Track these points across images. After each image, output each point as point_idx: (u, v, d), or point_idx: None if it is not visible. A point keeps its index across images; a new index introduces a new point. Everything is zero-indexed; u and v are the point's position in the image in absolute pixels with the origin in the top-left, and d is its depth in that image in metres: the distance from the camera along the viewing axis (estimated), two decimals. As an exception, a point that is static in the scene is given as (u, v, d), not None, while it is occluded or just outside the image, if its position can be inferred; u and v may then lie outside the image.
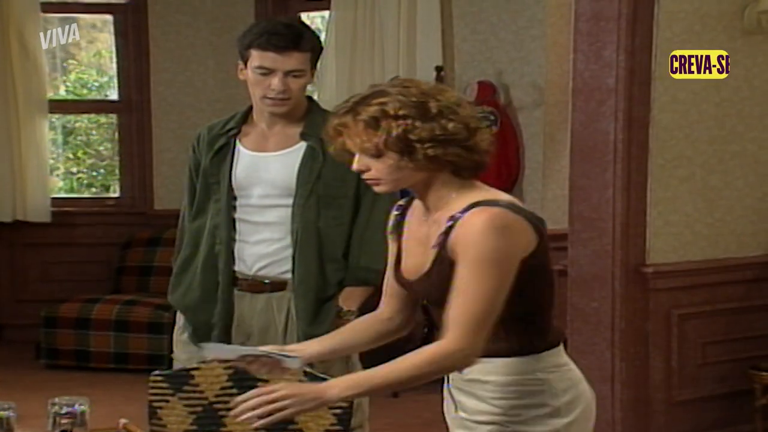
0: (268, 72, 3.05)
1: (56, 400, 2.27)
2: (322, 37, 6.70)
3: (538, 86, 5.86)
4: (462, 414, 2.30)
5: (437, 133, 2.11)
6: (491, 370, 2.22)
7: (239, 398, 2.11)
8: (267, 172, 3.13)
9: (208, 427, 2.68)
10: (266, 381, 2.67)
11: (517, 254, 2.13)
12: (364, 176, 2.20)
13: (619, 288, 4.16)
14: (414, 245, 2.28)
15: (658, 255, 4.23)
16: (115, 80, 7.24)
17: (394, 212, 2.37)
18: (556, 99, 5.81)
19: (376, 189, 2.24)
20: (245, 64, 3.13)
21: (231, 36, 7.06)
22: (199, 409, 2.70)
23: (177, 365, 3.23)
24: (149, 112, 7.05)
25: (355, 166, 2.19)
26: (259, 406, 2.08)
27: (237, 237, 3.14)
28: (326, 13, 6.55)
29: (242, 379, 2.71)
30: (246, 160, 3.16)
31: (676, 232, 4.27)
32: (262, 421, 2.09)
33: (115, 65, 7.22)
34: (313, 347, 2.36)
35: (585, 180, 4.23)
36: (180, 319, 3.29)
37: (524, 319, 2.20)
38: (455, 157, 2.13)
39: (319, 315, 3.10)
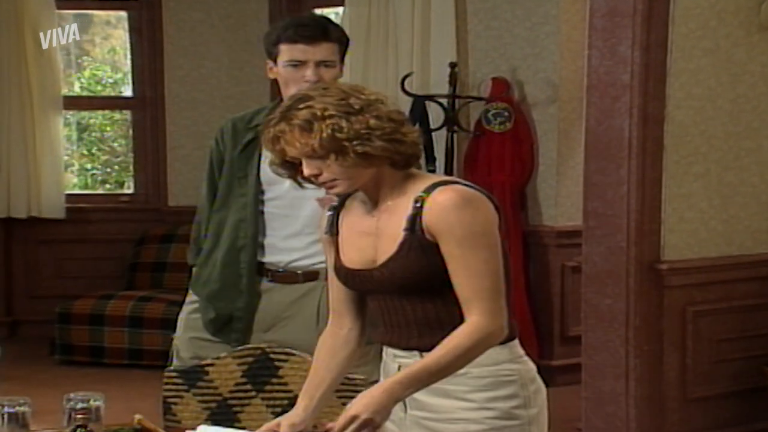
0: (299, 64, 3.07)
1: (71, 395, 2.27)
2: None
3: (553, 83, 5.85)
4: (419, 413, 2.27)
5: (362, 130, 2.13)
6: None
7: None
8: None
9: (222, 422, 2.68)
10: (281, 377, 2.68)
11: (494, 223, 2.18)
12: (319, 180, 2.20)
13: (634, 285, 4.15)
14: (357, 238, 2.29)
15: (672, 252, 4.22)
16: (129, 77, 7.26)
17: (327, 213, 2.38)
18: (571, 95, 5.80)
19: (334, 191, 2.24)
20: (275, 61, 3.14)
21: (245, 33, 7.15)
22: (214, 404, 2.71)
23: (179, 348, 3.24)
24: (163, 109, 7.07)
25: (306, 172, 2.20)
26: None
27: (266, 231, 3.16)
28: (340, 9, 6.55)
29: (256, 375, 2.72)
30: None
31: (690, 229, 4.26)
32: None
33: (129, 62, 7.24)
34: (305, 408, 2.32)
35: (599, 176, 4.22)
36: (194, 300, 3.27)
37: None
38: (384, 151, 2.15)
39: None
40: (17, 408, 2.22)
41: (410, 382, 2.15)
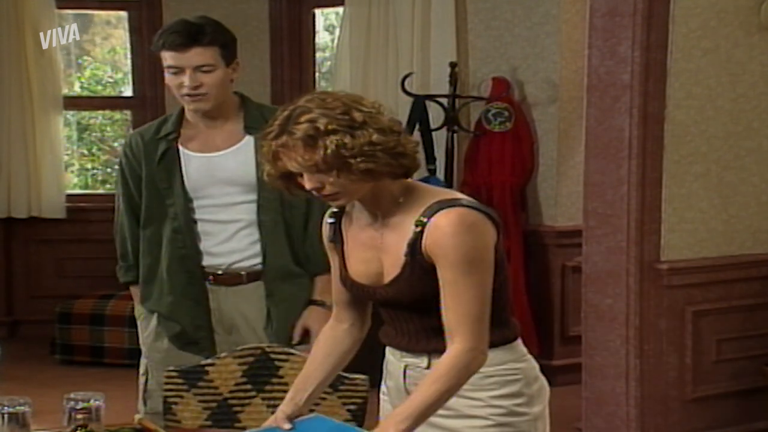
0: (178, 71, 3.07)
1: (71, 395, 2.26)
2: (336, 33, 6.71)
3: (553, 82, 5.85)
4: None
5: (365, 146, 2.08)
6: None
7: None
8: (224, 170, 3.12)
9: (222, 422, 2.69)
10: (281, 377, 2.68)
11: (491, 246, 2.18)
12: (322, 193, 2.16)
13: (634, 284, 4.15)
14: (361, 250, 2.28)
15: (672, 251, 4.22)
16: (130, 77, 7.26)
17: (329, 221, 2.35)
18: (571, 95, 5.80)
19: (336, 203, 2.23)
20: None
21: (245, 33, 7.13)
22: (214, 404, 2.71)
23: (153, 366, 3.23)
24: (163, 109, 7.04)
25: (308, 186, 2.15)
26: None
27: (203, 237, 3.14)
28: (340, 9, 6.56)
29: (256, 375, 2.72)
30: (196, 162, 3.14)
31: (691, 229, 4.26)
32: None
33: (129, 61, 7.23)
34: (303, 396, 2.30)
35: (599, 176, 4.22)
36: (150, 321, 3.27)
37: (495, 311, 2.21)
38: (387, 166, 2.12)
39: (295, 301, 3.15)
40: (17, 408, 2.22)
41: (404, 422, 2.11)
